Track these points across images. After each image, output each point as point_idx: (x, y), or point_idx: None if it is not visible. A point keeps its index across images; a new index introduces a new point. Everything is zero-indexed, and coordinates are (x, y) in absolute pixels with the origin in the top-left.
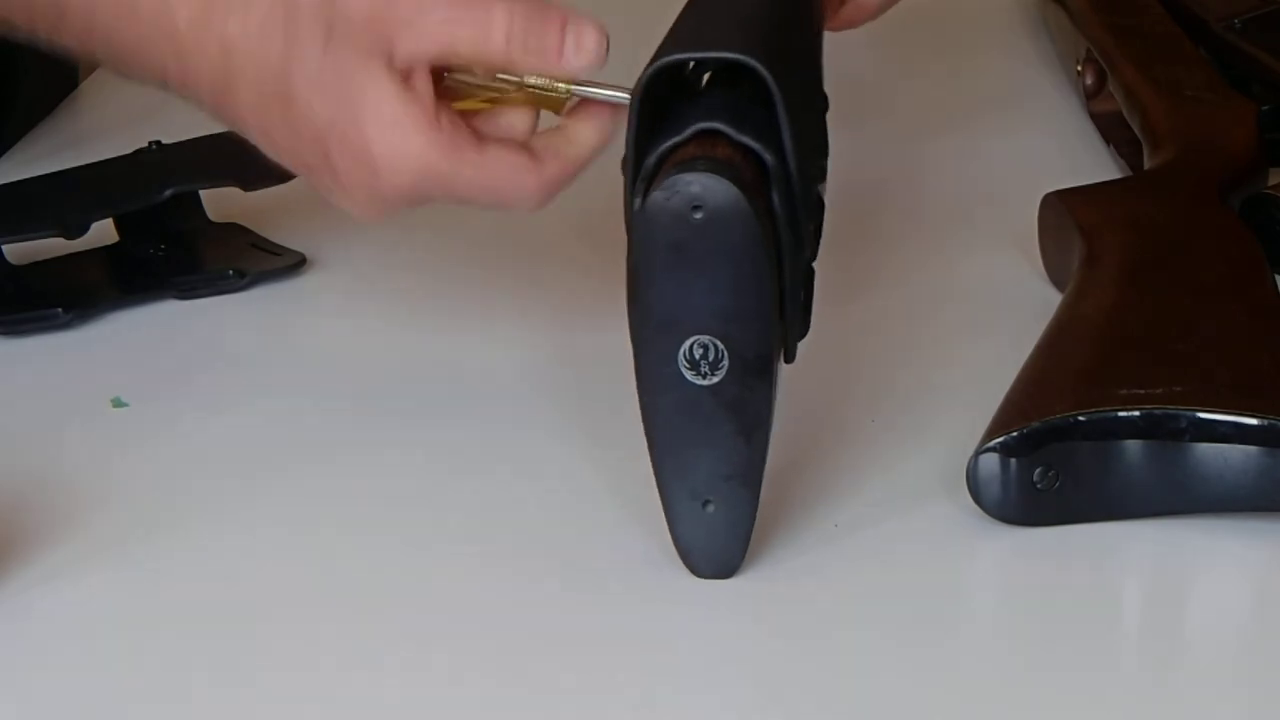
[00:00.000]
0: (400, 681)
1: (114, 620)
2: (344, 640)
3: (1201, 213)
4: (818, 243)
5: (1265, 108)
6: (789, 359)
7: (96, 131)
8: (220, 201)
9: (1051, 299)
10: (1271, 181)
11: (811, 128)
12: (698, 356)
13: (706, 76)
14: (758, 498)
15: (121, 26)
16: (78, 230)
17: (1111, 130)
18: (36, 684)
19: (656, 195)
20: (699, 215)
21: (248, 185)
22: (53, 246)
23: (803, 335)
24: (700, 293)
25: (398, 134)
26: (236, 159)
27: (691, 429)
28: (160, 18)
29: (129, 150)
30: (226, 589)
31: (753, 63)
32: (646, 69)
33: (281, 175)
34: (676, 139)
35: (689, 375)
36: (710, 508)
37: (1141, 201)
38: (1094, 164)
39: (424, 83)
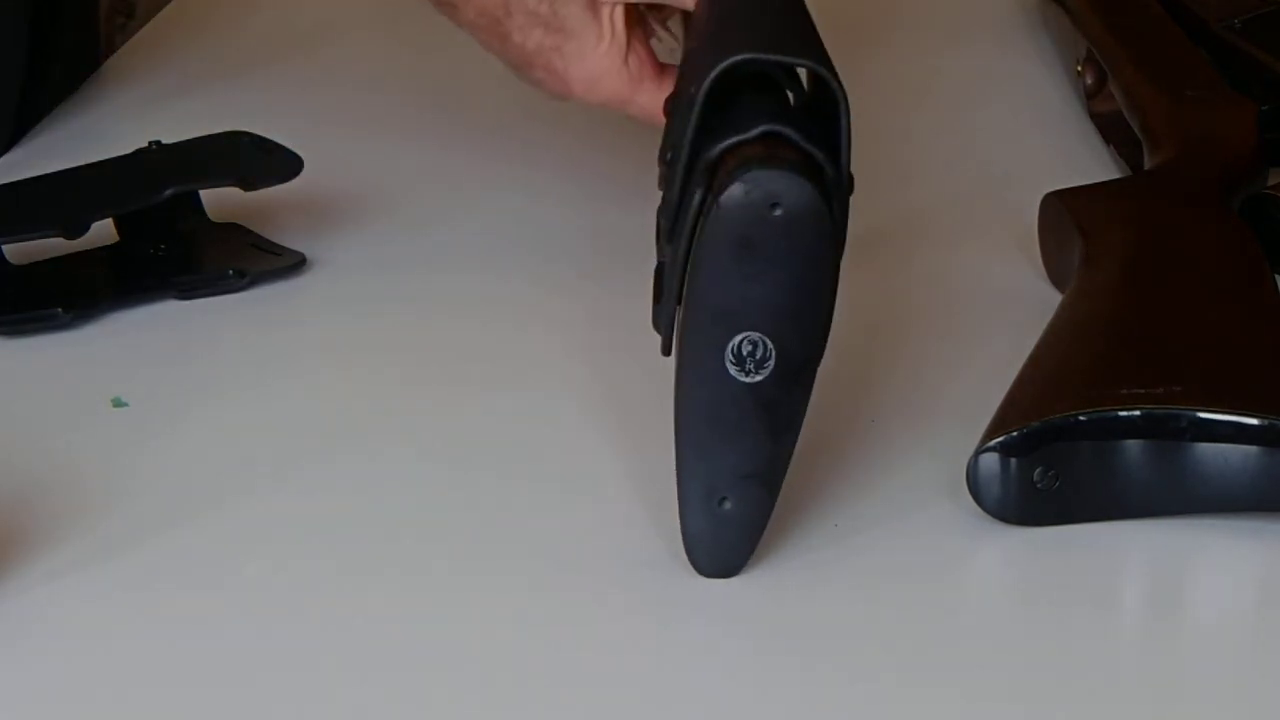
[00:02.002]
0: (400, 679)
1: (114, 620)
2: (344, 637)
3: (1201, 213)
4: None
5: (1265, 108)
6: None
7: (98, 130)
8: (220, 201)
9: (1051, 299)
10: (1271, 181)
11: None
12: (745, 353)
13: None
14: (774, 502)
15: None
16: (78, 230)
17: (1111, 130)
18: (37, 684)
19: (736, 188)
20: (778, 212)
21: (248, 185)
22: (53, 246)
23: None
24: (762, 290)
25: (592, 67)
26: (236, 159)
27: (723, 424)
28: None
29: (129, 150)
30: (227, 588)
31: (826, 74)
32: (712, 65)
33: (282, 175)
34: (742, 137)
35: (733, 371)
36: (726, 504)
37: (1141, 201)
38: (1094, 164)
39: (620, 23)
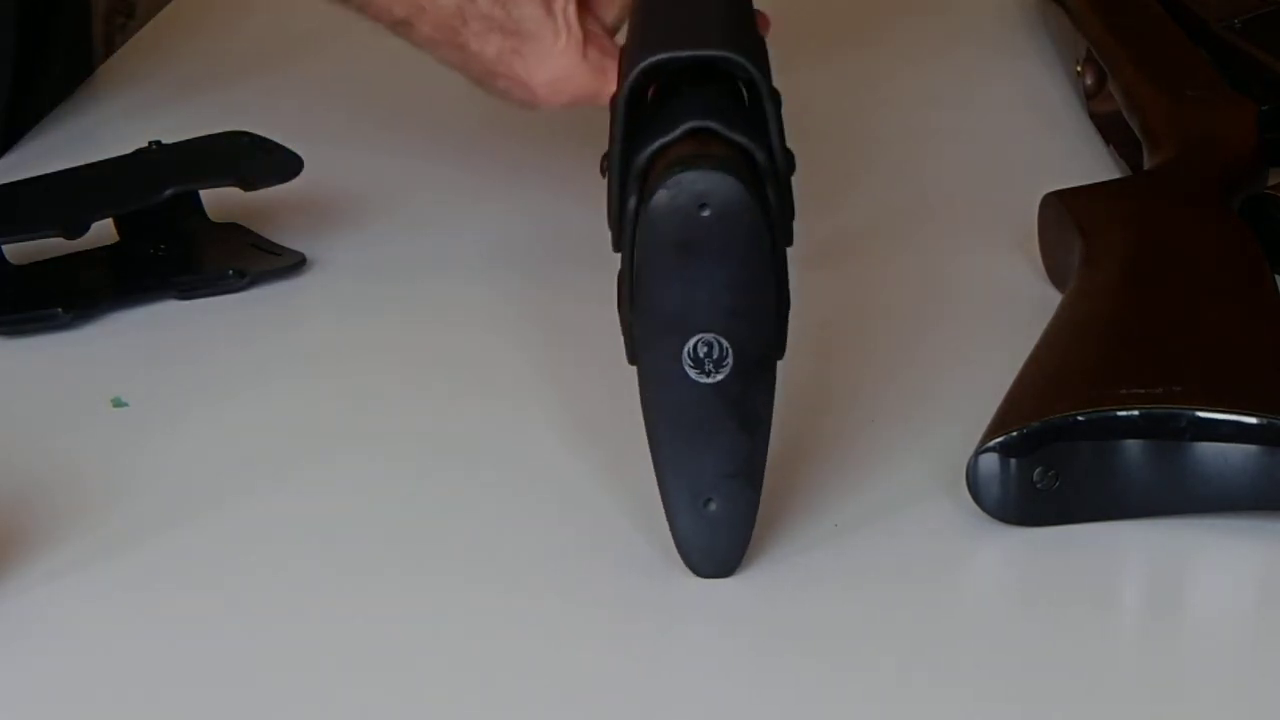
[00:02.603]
0: (399, 681)
1: (114, 620)
2: (343, 638)
3: (1201, 213)
4: None
5: (1265, 108)
6: (780, 354)
7: (98, 130)
8: (220, 201)
9: (1051, 299)
10: (1271, 181)
11: (781, 123)
12: (702, 355)
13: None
14: (759, 495)
15: None
16: (78, 230)
17: (1111, 130)
18: (37, 684)
19: (662, 194)
20: (706, 212)
21: (248, 185)
22: (53, 246)
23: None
24: (706, 290)
25: (554, 67)
26: (236, 159)
27: (694, 428)
28: None
29: (129, 150)
30: (226, 588)
31: (743, 61)
32: (631, 67)
33: (282, 175)
34: (667, 138)
35: (693, 374)
36: (712, 506)
37: (1141, 201)
38: (1094, 164)
39: (574, 18)
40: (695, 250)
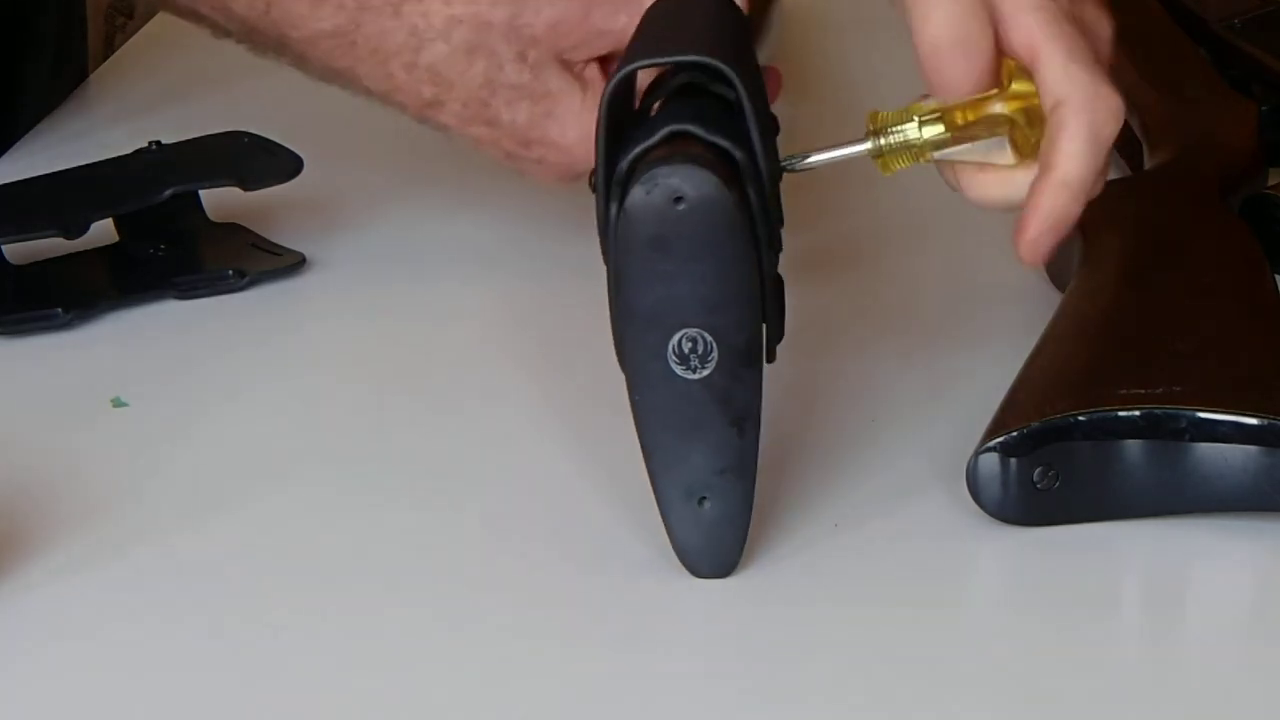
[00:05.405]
0: (398, 685)
1: (114, 620)
2: (343, 640)
3: (1201, 213)
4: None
5: (1265, 108)
6: (770, 359)
7: (97, 131)
8: (220, 201)
9: (1051, 299)
10: (1271, 181)
11: (770, 140)
12: (686, 350)
13: (660, 101)
14: (753, 491)
15: (340, 59)
16: (78, 230)
17: None
18: (37, 683)
19: (637, 191)
20: (681, 206)
21: (248, 185)
22: (53, 246)
23: (779, 338)
24: (685, 285)
25: (586, 123)
26: (236, 159)
27: (684, 424)
28: (376, 58)
29: (129, 150)
30: (226, 588)
31: (715, 62)
32: (612, 77)
33: (282, 175)
34: (648, 142)
35: (678, 370)
36: (706, 504)
37: (1141, 201)
38: None
39: (596, 75)
40: (672, 245)
